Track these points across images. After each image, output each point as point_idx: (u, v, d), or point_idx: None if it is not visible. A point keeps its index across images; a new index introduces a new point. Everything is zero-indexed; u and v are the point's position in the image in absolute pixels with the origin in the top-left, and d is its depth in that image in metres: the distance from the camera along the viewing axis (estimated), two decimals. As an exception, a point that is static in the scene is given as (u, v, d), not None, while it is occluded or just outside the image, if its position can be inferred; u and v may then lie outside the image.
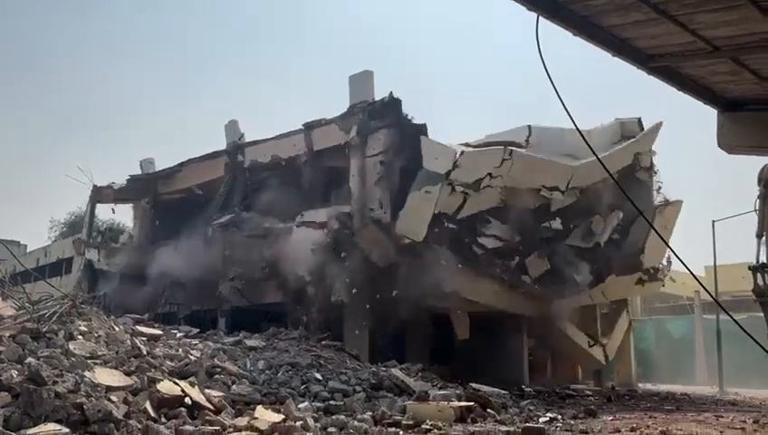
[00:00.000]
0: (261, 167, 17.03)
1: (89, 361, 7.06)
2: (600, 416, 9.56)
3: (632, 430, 7.90)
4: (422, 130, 13.90)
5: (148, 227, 20.00)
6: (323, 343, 12.42)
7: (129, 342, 8.49)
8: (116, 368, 7.16)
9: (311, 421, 6.91)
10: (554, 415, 9.16)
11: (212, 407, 6.96)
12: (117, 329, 9.22)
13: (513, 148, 14.14)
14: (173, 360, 8.51)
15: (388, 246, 13.33)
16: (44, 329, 7.63)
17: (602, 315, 17.72)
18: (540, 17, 5.36)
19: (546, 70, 5.56)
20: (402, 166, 13.84)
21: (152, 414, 6.31)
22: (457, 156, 13.01)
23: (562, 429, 7.88)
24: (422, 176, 13.26)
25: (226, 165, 17.80)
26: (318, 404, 8.13)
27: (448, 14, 75.51)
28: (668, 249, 17.03)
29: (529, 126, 17.23)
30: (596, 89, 56.52)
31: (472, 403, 8.62)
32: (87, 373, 6.48)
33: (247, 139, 17.69)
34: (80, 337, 7.94)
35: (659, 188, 17.69)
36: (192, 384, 7.28)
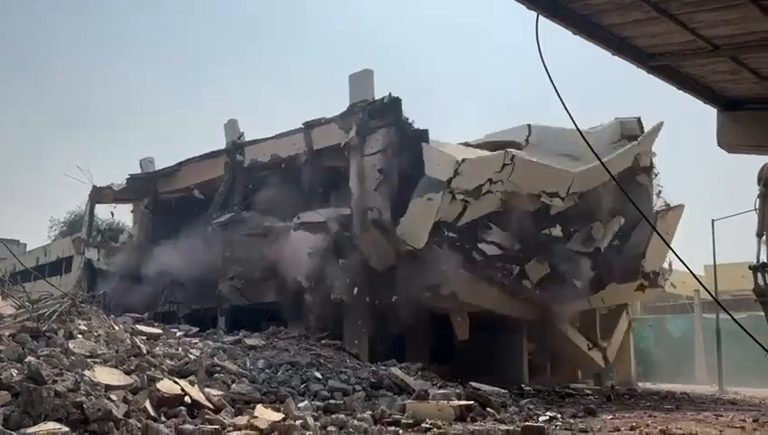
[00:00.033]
0: (261, 166, 17.03)
1: (88, 360, 7.06)
2: (599, 415, 9.57)
3: (632, 428, 7.91)
4: (423, 136, 13.81)
5: (147, 227, 20.00)
6: (323, 342, 12.43)
7: (128, 341, 8.48)
8: (116, 367, 7.16)
9: (310, 420, 6.91)
10: (554, 414, 9.17)
11: (212, 406, 6.96)
12: (117, 328, 9.22)
13: (515, 152, 14.10)
14: (173, 359, 8.51)
15: (389, 251, 13.29)
16: (44, 328, 7.62)
17: (602, 317, 17.67)
18: (540, 16, 5.36)
19: (546, 69, 5.56)
20: (402, 168, 13.81)
21: (152, 413, 6.32)
22: (458, 163, 12.94)
23: (562, 428, 7.88)
24: (424, 183, 13.20)
25: (226, 164, 17.79)
26: (318, 403, 8.13)
27: (448, 14, 75.54)
28: (669, 254, 17.15)
29: (529, 125, 17.25)
30: (596, 88, 56.65)
31: (471, 402, 8.63)
32: (87, 372, 6.47)
33: (247, 138, 17.69)
34: (79, 336, 7.94)
35: (659, 192, 17.64)
36: (192, 383, 7.28)
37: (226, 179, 17.68)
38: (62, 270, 26.06)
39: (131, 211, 21.40)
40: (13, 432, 5.01)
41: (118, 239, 24.70)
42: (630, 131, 17.35)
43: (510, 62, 70.75)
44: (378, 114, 14.19)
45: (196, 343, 10.64)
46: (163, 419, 6.34)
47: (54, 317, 7.94)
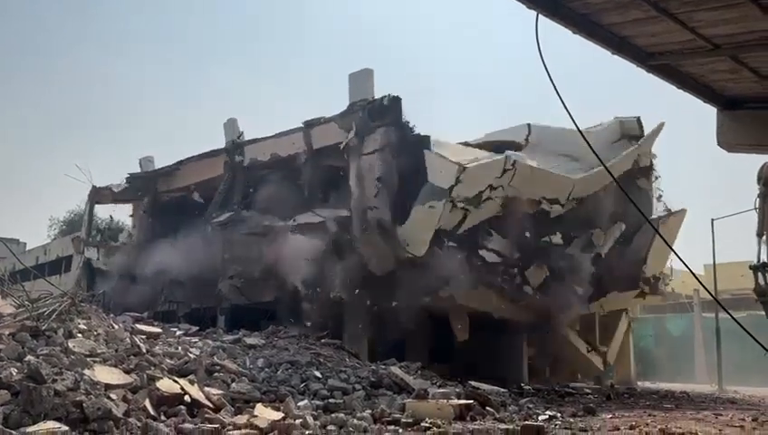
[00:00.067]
0: (260, 165, 17.01)
1: (88, 359, 7.06)
2: (599, 414, 9.57)
3: (631, 428, 7.91)
4: (425, 142, 13.73)
5: (147, 226, 19.98)
6: (323, 341, 12.43)
7: (128, 340, 8.49)
8: (115, 366, 7.16)
9: (310, 419, 6.91)
10: (553, 413, 9.18)
11: (211, 405, 6.96)
12: (116, 327, 9.22)
13: (515, 155, 14.05)
14: (172, 358, 8.52)
15: (388, 257, 13.25)
16: (44, 327, 7.63)
17: (601, 319, 17.58)
18: (539, 15, 5.36)
19: (546, 68, 5.57)
20: (402, 168, 13.78)
21: (152, 412, 6.32)
22: (460, 171, 12.89)
23: (561, 427, 7.88)
24: (426, 190, 13.13)
25: (226, 163, 17.78)
26: (317, 402, 8.14)
27: (448, 14, 75.47)
28: (670, 258, 17.14)
29: (528, 124, 17.23)
30: (595, 87, 56.60)
31: (471, 401, 8.63)
32: (86, 371, 6.48)
33: (247, 137, 17.68)
34: (79, 335, 7.94)
35: (660, 196, 17.56)
36: (191, 382, 7.28)
37: (226, 179, 17.66)
38: (61, 269, 26.03)
39: (131, 214, 21.37)
40: (12, 431, 5.02)
41: (117, 239, 24.68)
42: (630, 131, 17.33)
43: (510, 62, 70.71)
44: (377, 113, 14.17)
45: (195, 342, 10.65)
46: (163, 418, 6.35)
47: (54, 316, 7.94)
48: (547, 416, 8.87)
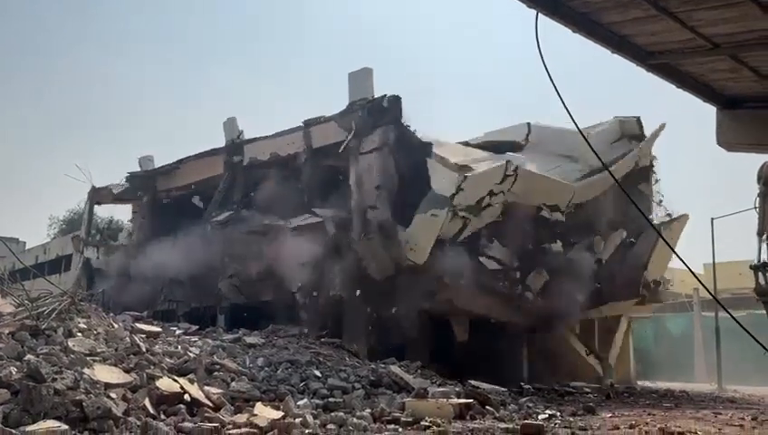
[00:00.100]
0: (260, 164, 17.01)
1: (88, 358, 7.06)
2: (598, 413, 9.57)
3: (631, 427, 7.92)
4: (427, 150, 13.66)
5: (146, 225, 19.97)
6: (322, 340, 12.44)
7: (128, 339, 8.49)
8: (115, 365, 7.17)
9: (310, 418, 6.92)
10: (553, 412, 9.18)
11: (211, 404, 6.96)
12: (116, 326, 9.22)
13: (515, 158, 13.99)
14: (172, 357, 8.52)
15: (388, 263, 13.21)
16: (43, 326, 7.63)
17: (601, 323, 17.47)
18: (539, 14, 5.36)
19: (545, 67, 5.56)
20: (402, 168, 13.76)
21: (151, 411, 6.32)
22: (461, 180, 12.84)
23: (561, 426, 7.88)
24: (429, 198, 13.06)
25: (225, 162, 17.78)
26: (317, 401, 8.14)
27: (448, 14, 75.47)
28: (669, 264, 17.10)
29: (528, 124, 17.23)
30: (595, 86, 56.60)
31: (471, 400, 8.63)
32: (86, 370, 6.48)
33: (247, 137, 17.67)
34: (79, 334, 7.95)
35: (660, 201, 17.44)
36: (191, 381, 7.28)
37: (226, 178, 17.66)
38: (61, 268, 26.07)
39: (132, 214, 21.35)
40: (12, 430, 5.01)
41: (117, 238, 24.70)
42: (630, 130, 17.31)
43: (510, 62, 70.72)
44: (377, 113, 14.16)
45: (195, 341, 10.65)
46: (162, 417, 6.35)
47: (54, 315, 7.95)
48: (547, 415, 8.87)
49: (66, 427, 5.28)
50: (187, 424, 6.14)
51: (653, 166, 17.37)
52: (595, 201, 15.43)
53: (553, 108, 6.21)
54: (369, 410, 7.79)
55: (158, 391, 6.70)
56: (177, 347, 9.36)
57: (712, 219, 21.24)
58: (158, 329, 10.83)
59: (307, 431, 6.52)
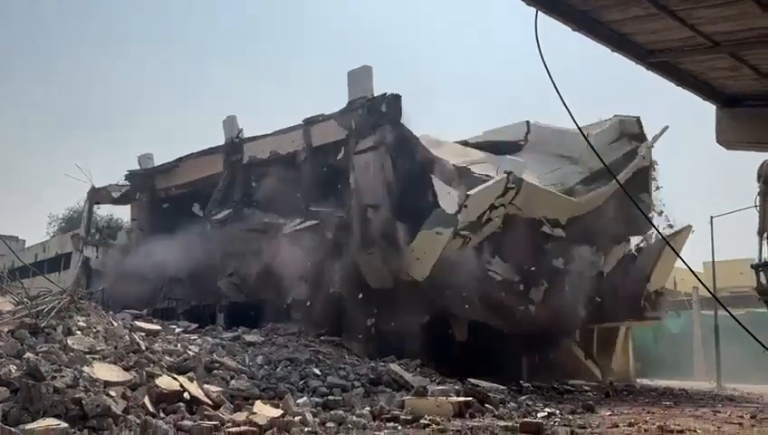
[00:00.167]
0: (259, 162, 17.00)
1: (87, 356, 7.07)
2: (598, 411, 9.59)
3: (630, 425, 7.93)
4: (428, 166, 13.57)
5: (146, 223, 19.97)
6: (322, 338, 12.43)
7: (127, 337, 8.49)
8: (114, 363, 7.17)
9: (309, 416, 6.92)
10: (552, 410, 9.18)
11: (210, 402, 6.96)
12: (115, 324, 9.22)
13: (515, 164, 13.93)
14: (172, 355, 8.52)
15: (387, 277, 13.16)
16: (43, 324, 7.63)
17: (600, 331, 17.38)
18: (539, 12, 5.35)
19: (545, 65, 5.56)
20: (402, 167, 13.71)
21: (151, 409, 6.32)
22: (463, 198, 12.76)
23: (560, 424, 7.89)
24: (436, 215, 12.89)
25: (225, 160, 17.76)
26: (316, 399, 8.15)
27: (448, 14, 75.45)
28: (671, 274, 17.01)
29: (527, 122, 17.20)
30: (595, 85, 56.54)
31: (470, 398, 8.64)
32: (86, 368, 6.48)
33: (246, 135, 17.66)
34: (78, 332, 7.95)
35: (662, 211, 17.33)
36: (191, 379, 7.28)
37: (225, 176, 17.65)
38: (60, 266, 26.04)
39: (131, 212, 21.34)
40: (12, 428, 5.02)
41: (116, 237, 24.67)
42: (630, 130, 17.27)
43: (510, 62, 70.70)
44: (377, 111, 14.15)
45: (194, 339, 10.65)
46: (162, 415, 6.35)
47: (53, 314, 7.95)
48: (546, 413, 8.87)
49: (66, 425, 5.28)
50: (187, 422, 6.14)
51: (654, 169, 17.27)
52: (596, 211, 15.29)
53: (553, 107, 6.20)
54: (368, 409, 7.80)
55: (157, 389, 6.71)
56: (176, 345, 9.37)
57: (711, 218, 21.28)
58: (158, 327, 10.82)
59: (306, 429, 6.53)
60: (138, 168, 20.41)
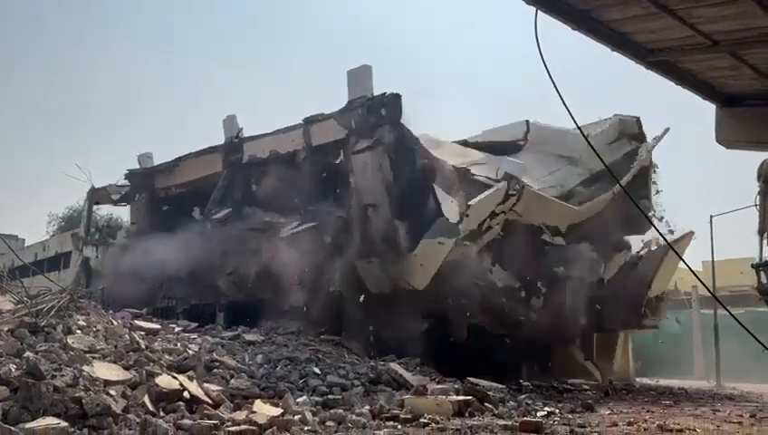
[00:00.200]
0: (259, 162, 16.99)
1: (87, 355, 7.07)
2: (597, 410, 9.59)
3: (630, 424, 7.93)
4: (430, 174, 13.51)
5: (145, 222, 19.95)
6: (321, 337, 12.43)
7: (127, 336, 8.49)
8: (114, 362, 7.17)
9: (309, 415, 6.93)
10: (552, 409, 9.19)
11: (210, 401, 6.96)
12: (115, 323, 9.23)
13: (516, 167, 13.88)
14: (171, 354, 8.52)
15: (386, 284, 13.15)
16: (43, 323, 7.63)
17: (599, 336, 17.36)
18: (539, 11, 5.36)
19: (545, 64, 5.56)
20: (402, 167, 13.69)
21: (150, 408, 6.32)
22: (464, 208, 12.74)
23: (560, 423, 7.90)
24: (439, 225, 12.79)
25: (224, 160, 17.75)
26: (316, 398, 8.15)
27: (448, 14, 75.47)
28: (672, 280, 16.97)
29: (527, 121, 17.18)
30: (595, 84, 56.52)
31: (470, 397, 8.64)
32: (85, 367, 6.48)
33: (246, 135, 17.65)
34: (78, 331, 7.95)
35: (662, 217, 17.23)
36: (190, 378, 7.28)
37: (225, 175, 17.64)
38: (60, 265, 26.07)
39: (130, 212, 21.33)
40: (12, 427, 5.02)
41: (116, 236, 24.68)
42: (629, 130, 17.25)
43: (510, 62, 70.75)
44: (377, 111, 14.13)
45: (194, 338, 10.64)
46: (162, 414, 6.35)
47: (53, 312, 7.95)
48: (545, 412, 8.88)
49: (65, 424, 5.28)
50: (187, 421, 6.14)
51: (654, 171, 17.22)
52: (597, 217, 15.20)
53: (553, 107, 6.21)
54: (368, 408, 7.80)
55: (157, 388, 6.71)
56: (176, 344, 9.37)
57: (711, 217, 21.31)
58: (158, 326, 10.83)
59: (306, 428, 6.54)
60: (137, 167, 20.42)
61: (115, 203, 20.76)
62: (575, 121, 5.96)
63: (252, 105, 65.91)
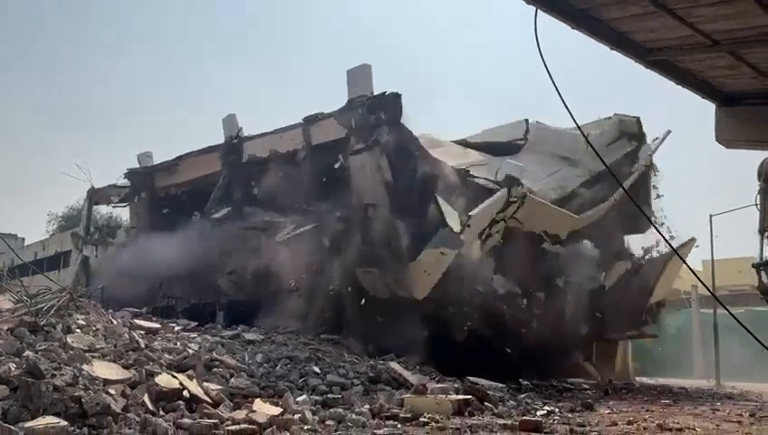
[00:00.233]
0: (259, 161, 16.99)
1: (87, 354, 7.06)
2: (597, 409, 9.59)
3: (629, 423, 7.93)
4: (431, 181, 13.44)
5: (145, 221, 19.95)
6: (321, 336, 12.43)
7: (127, 335, 8.49)
8: (114, 361, 7.17)
9: (309, 414, 6.93)
10: (552, 408, 9.19)
11: (210, 400, 6.96)
12: (115, 322, 9.22)
13: (516, 169, 13.82)
14: (171, 353, 8.51)
15: (386, 293, 13.12)
16: (42, 322, 7.63)
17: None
18: (538, 11, 5.36)
19: (545, 64, 5.56)
20: (403, 167, 13.68)
21: (150, 407, 6.32)
22: (466, 219, 12.66)
23: (560, 422, 7.90)
24: (442, 235, 12.70)
25: (224, 159, 17.75)
26: (316, 397, 8.15)
27: (448, 14, 75.46)
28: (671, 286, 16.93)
29: (526, 120, 17.18)
30: (595, 84, 56.54)
31: (469, 396, 8.64)
32: (85, 366, 6.48)
33: (246, 134, 17.64)
34: (78, 330, 7.95)
35: (663, 223, 17.04)
36: (190, 377, 7.28)
37: (224, 174, 17.65)
38: (60, 265, 26.06)
39: (130, 211, 21.33)
40: (11, 426, 5.02)
41: (115, 235, 24.67)
42: (629, 129, 17.23)
43: (510, 62, 70.74)
44: (377, 110, 14.12)
45: (194, 337, 10.64)
46: (161, 413, 6.35)
47: (53, 312, 7.95)
48: (545, 411, 8.88)
49: (65, 423, 5.28)
50: (186, 420, 6.15)
51: (655, 174, 17.17)
52: (598, 223, 15.14)
53: (553, 107, 6.21)
54: (367, 407, 7.80)
55: (157, 387, 6.71)
56: (176, 343, 9.36)
57: (710, 216, 21.30)
58: (157, 325, 10.82)
59: (306, 427, 6.54)
60: (137, 166, 20.42)
61: (115, 205, 20.78)
62: (575, 121, 5.96)
63: (252, 105, 66.05)
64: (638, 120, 17.33)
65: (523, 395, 10.44)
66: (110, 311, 10.47)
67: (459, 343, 13.91)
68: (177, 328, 11.64)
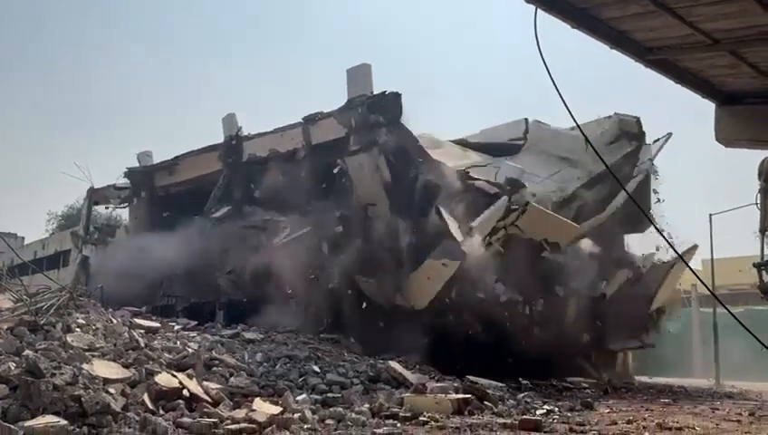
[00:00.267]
0: (259, 160, 16.98)
1: (87, 353, 7.06)
2: (596, 408, 9.60)
3: (629, 422, 7.94)
4: (433, 188, 13.42)
5: (145, 221, 19.95)
6: (321, 335, 12.43)
7: (126, 334, 8.48)
8: (114, 360, 7.17)
9: (308, 413, 6.93)
10: (551, 407, 9.20)
11: (210, 399, 6.97)
12: (115, 321, 9.22)
13: (515, 170, 13.79)
14: (171, 352, 8.51)
15: (386, 301, 13.10)
16: (42, 321, 7.63)
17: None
18: (538, 10, 5.36)
19: (545, 63, 5.55)
20: (402, 167, 13.65)
21: (150, 406, 6.33)
22: (467, 229, 12.67)
23: (559, 421, 7.90)
24: (443, 247, 12.70)
25: (224, 158, 17.74)
26: (316, 396, 8.15)
27: (448, 14, 75.40)
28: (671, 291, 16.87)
29: (526, 119, 17.18)
30: (595, 83, 56.51)
31: (469, 396, 8.65)
32: (85, 366, 6.48)
33: (246, 133, 17.64)
34: (77, 329, 7.95)
35: (663, 230, 17.20)
36: (190, 376, 7.28)
37: (224, 174, 17.64)
38: (59, 264, 26.04)
39: (130, 211, 21.32)
40: (11, 425, 5.02)
41: (115, 234, 24.66)
42: (629, 129, 17.20)
43: (510, 62, 70.69)
44: (377, 109, 14.11)
45: (194, 336, 10.64)
46: (161, 412, 6.36)
47: (52, 311, 7.95)
48: (545, 410, 8.89)
49: (65, 422, 5.29)
50: (186, 419, 6.15)
51: (656, 177, 17.14)
52: (598, 229, 15.11)
53: (553, 107, 6.22)
54: (367, 406, 7.80)
55: (156, 386, 6.71)
56: (175, 342, 9.36)
57: (710, 215, 21.30)
58: (157, 324, 10.82)
59: (306, 426, 6.54)
60: (137, 165, 20.40)
61: (115, 206, 20.77)
62: (575, 121, 5.96)
63: (252, 105, 65.96)
64: (638, 119, 17.28)
65: (522, 394, 10.44)
66: (110, 310, 10.46)
67: (459, 343, 13.94)
68: (176, 327, 11.64)
